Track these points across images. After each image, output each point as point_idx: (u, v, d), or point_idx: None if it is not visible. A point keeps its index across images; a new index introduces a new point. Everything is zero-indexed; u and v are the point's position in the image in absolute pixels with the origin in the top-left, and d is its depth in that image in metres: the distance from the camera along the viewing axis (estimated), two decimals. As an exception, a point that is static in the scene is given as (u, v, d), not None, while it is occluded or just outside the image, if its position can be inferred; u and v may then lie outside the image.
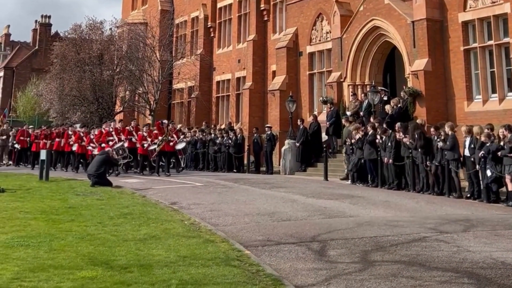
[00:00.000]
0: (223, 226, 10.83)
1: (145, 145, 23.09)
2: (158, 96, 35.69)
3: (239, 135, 26.77)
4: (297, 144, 24.17)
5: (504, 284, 6.97)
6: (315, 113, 26.55)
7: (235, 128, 29.10)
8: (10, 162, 30.08)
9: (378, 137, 18.81)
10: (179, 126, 25.88)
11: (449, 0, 21.41)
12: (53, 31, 61.43)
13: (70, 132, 26.29)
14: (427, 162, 16.91)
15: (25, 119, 46.36)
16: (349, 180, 20.28)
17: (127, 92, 37.62)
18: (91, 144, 23.52)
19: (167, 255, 8.10)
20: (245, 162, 26.69)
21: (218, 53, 36.58)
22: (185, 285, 6.67)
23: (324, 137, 24.47)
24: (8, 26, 70.02)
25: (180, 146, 24.70)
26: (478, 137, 15.69)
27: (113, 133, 23.15)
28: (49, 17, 63.62)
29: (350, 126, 21.48)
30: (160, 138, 22.76)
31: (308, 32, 28.02)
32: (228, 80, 35.52)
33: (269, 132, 25.98)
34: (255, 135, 26.73)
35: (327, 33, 26.97)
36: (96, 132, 24.00)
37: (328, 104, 24.72)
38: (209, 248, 8.67)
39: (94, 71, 35.57)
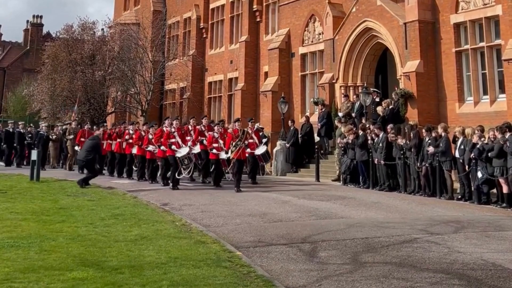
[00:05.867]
0: (215, 227, 10.83)
1: (214, 150, 18.85)
2: (150, 97, 35.60)
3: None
4: (287, 145, 24.16)
5: (494, 286, 6.99)
6: (307, 114, 26.55)
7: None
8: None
9: (370, 138, 18.85)
10: (256, 125, 20.85)
11: (441, 2, 21.48)
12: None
13: (131, 131, 22.31)
14: (417, 164, 16.95)
15: (15, 119, 46.16)
16: (341, 181, 20.30)
17: (119, 93, 37.51)
18: (150, 146, 19.82)
19: (158, 256, 8.08)
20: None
21: (210, 54, 36.55)
22: (176, 286, 6.66)
23: (317, 138, 24.48)
24: (-1, 25, 69.77)
25: (260, 150, 20.10)
26: (469, 138, 15.73)
27: (176, 134, 18.38)
28: (41, 17, 63.47)
29: (342, 127, 21.48)
30: (233, 143, 17.92)
31: (301, 33, 28.05)
32: (220, 81, 35.48)
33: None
34: (247, 136, 26.67)
35: (320, 34, 26.99)
36: (154, 132, 20.09)
37: (320, 106, 24.74)
38: (200, 249, 8.66)
39: (86, 72, 35.45)
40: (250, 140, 19.04)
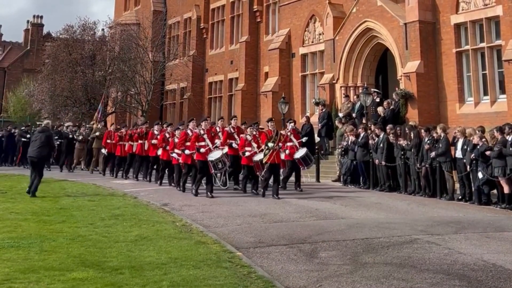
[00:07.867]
0: (215, 228, 10.82)
1: (247, 153, 16.90)
2: (150, 97, 35.63)
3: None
4: (289, 145, 24.08)
5: (495, 287, 6.98)
6: (308, 114, 26.52)
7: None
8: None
9: (370, 139, 18.83)
10: (291, 125, 18.33)
11: (442, 2, 21.47)
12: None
13: (155, 132, 20.70)
14: (418, 165, 16.92)
15: (16, 119, 46.22)
16: (341, 182, 20.28)
17: (119, 93, 37.53)
18: (175, 151, 17.63)
19: (158, 257, 8.08)
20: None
21: (210, 54, 36.56)
22: (176, 286, 6.66)
23: (317, 138, 24.44)
24: (0, 26, 69.78)
25: (300, 153, 17.50)
26: (470, 138, 15.71)
27: (205, 136, 16.34)
28: (41, 17, 63.46)
29: (343, 127, 21.47)
30: (265, 146, 16.21)
31: (301, 34, 28.04)
32: (221, 81, 35.50)
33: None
34: (247, 136, 26.60)
35: (320, 34, 26.99)
36: (178, 134, 17.91)
37: (320, 106, 24.72)
38: (201, 249, 8.66)
39: (86, 72, 35.46)
40: (289, 144, 17.28)
